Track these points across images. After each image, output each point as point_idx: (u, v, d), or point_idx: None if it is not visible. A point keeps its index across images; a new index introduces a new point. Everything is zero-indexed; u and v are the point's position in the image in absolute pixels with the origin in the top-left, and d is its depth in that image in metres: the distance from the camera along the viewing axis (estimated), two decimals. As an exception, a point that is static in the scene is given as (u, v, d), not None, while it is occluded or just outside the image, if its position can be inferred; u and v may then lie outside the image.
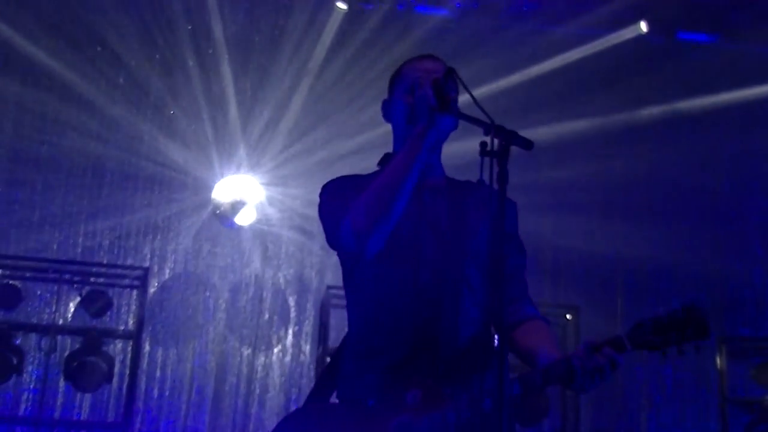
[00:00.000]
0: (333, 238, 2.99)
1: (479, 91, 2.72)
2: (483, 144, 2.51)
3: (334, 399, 3.02)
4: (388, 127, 3.23)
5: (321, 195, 3.13)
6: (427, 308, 2.90)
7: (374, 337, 2.94)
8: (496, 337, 2.89)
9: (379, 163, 3.18)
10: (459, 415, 2.74)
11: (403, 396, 2.78)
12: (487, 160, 2.50)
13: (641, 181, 8.44)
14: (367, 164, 3.27)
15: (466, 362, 2.81)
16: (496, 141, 2.51)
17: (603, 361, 2.69)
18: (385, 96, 3.25)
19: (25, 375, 7.35)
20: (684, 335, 2.70)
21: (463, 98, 2.91)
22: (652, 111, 8.41)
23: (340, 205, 2.94)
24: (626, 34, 8.14)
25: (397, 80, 3.18)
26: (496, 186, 2.47)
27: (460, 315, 2.91)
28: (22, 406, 7.46)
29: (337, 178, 3.17)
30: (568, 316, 8.03)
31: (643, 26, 8.12)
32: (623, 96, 8.35)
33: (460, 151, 3.26)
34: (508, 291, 2.97)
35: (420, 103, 2.91)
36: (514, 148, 2.53)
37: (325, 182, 3.15)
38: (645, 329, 2.74)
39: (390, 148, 3.20)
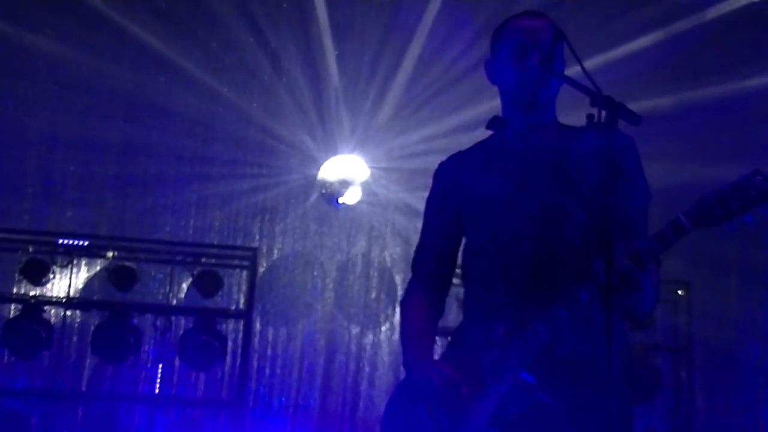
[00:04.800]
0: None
1: (586, 63, 2.66)
2: (590, 116, 2.47)
3: None
4: (495, 101, 3.21)
5: (432, 184, 3.24)
6: (533, 253, 2.88)
7: (490, 293, 2.94)
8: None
9: (488, 126, 3.15)
10: (537, 335, 2.73)
11: (491, 332, 2.81)
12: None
13: (759, 155, 8.16)
14: (474, 137, 3.27)
15: (558, 300, 2.75)
16: (603, 113, 2.46)
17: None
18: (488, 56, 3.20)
19: (142, 354, 7.54)
20: (747, 201, 2.58)
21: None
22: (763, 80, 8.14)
23: (421, 241, 3.24)
24: (738, 1, 7.91)
25: (501, 39, 3.11)
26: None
27: (562, 259, 2.86)
28: (141, 385, 7.66)
29: (443, 164, 3.23)
30: (679, 292, 7.87)
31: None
32: (735, 66, 8.10)
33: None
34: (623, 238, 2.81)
35: (527, 73, 2.94)
36: (621, 122, 2.49)
37: (429, 161, 3.21)
38: (705, 203, 2.62)
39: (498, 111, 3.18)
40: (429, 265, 3.19)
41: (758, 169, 2.58)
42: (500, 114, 3.16)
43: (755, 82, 8.12)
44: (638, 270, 2.59)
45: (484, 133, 3.20)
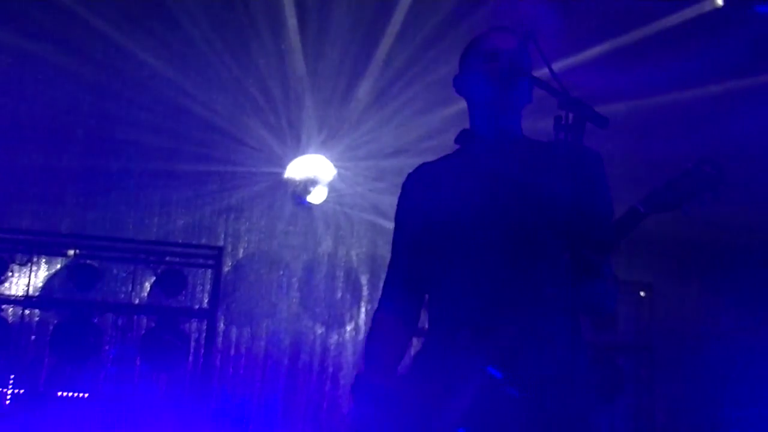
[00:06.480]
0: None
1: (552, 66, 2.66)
2: (558, 118, 2.46)
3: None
4: (460, 103, 3.17)
5: (399, 196, 3.14)
6: (501, 268, 2.83)
7: (457, 307, 2.88)
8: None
9: (456, 141, 3.10)
10: (509, 335, 2.70)
11: (457, 336, 2.77)
12: (561, 134, 2.45)
13: (717, 156, 8.19)
14: (439, 140, 3.24)
15: (529, 333, 2.72)
16: (570, 115, 2.46)
17: None
18: (457, 72, 3.14)
19: (102, 354, 7.47)
20: (698, 184, 2.67)
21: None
22: (728, 84, 8.19)
23: (392, 265, 3.12)
24: (702, 7, 7.95)
25: (470, 53, 3.07)
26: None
27: (531, 281, 2.78)
28: (100, 385, 7.58)
29: (412, 175, 3.14)
30: (642, 294, 7.94)
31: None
32: (699, 69, 8.15)
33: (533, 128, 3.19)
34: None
35: (497, 74, 2.88)
36: (588, 124, 2.49)
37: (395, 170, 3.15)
38: (658, 191, 2.69)
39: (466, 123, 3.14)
40: (404, 280, 3.09)
41: (708, 157, 2.69)
42: (468, 127, 3.10)
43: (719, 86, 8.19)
44: (600, 257, 2.62)
45: (453, 134, 3.17)
